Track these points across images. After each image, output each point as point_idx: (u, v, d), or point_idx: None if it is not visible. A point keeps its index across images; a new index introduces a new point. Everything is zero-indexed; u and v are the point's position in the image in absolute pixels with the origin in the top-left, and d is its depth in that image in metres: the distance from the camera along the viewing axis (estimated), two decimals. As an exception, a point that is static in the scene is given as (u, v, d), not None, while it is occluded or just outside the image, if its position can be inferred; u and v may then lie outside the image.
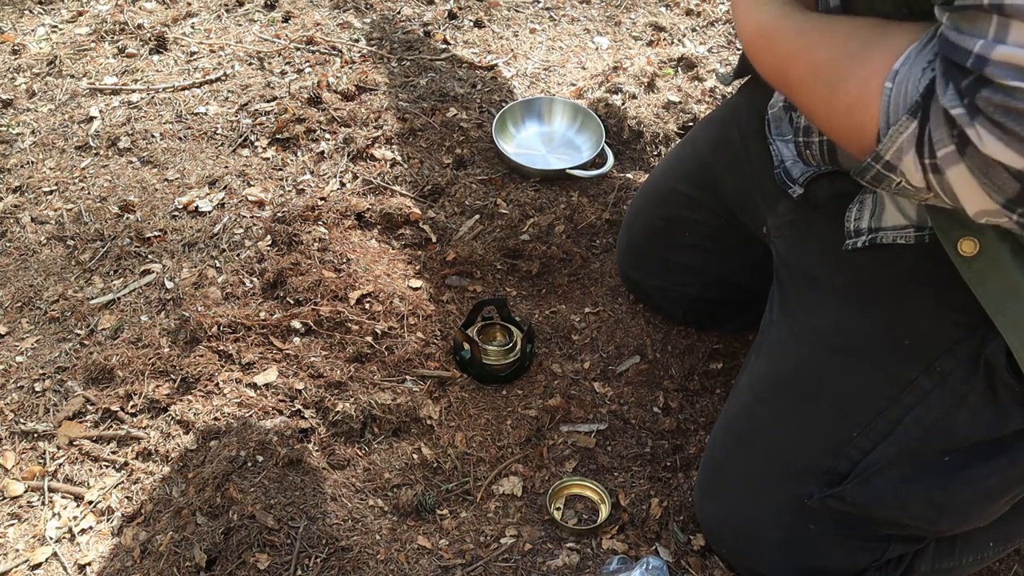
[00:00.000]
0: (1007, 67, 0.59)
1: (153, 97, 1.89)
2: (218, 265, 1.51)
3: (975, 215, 0.70)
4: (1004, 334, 0.85)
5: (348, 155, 1.73)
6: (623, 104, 1.84)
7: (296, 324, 1.39)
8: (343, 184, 1.67)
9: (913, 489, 0.94)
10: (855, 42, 0.73)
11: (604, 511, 1.19)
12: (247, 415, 1.27)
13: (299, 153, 1.75)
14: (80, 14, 2.13)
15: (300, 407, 1.29)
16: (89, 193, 1.66)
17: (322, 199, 1.62)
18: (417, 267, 1.53)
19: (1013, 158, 0.62)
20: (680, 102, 1.85)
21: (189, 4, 2.16)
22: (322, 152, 1.74)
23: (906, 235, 0.91)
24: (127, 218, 1.60)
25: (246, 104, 1.86)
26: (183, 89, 1.91)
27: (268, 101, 1.87)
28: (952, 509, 0.95)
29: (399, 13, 2.17)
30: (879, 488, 0.94)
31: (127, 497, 1.19)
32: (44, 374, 1.35)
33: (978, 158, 0.63)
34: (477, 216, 1.61)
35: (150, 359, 1.34)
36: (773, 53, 0.82)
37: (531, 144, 1.80)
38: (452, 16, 2.16)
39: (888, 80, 0.69)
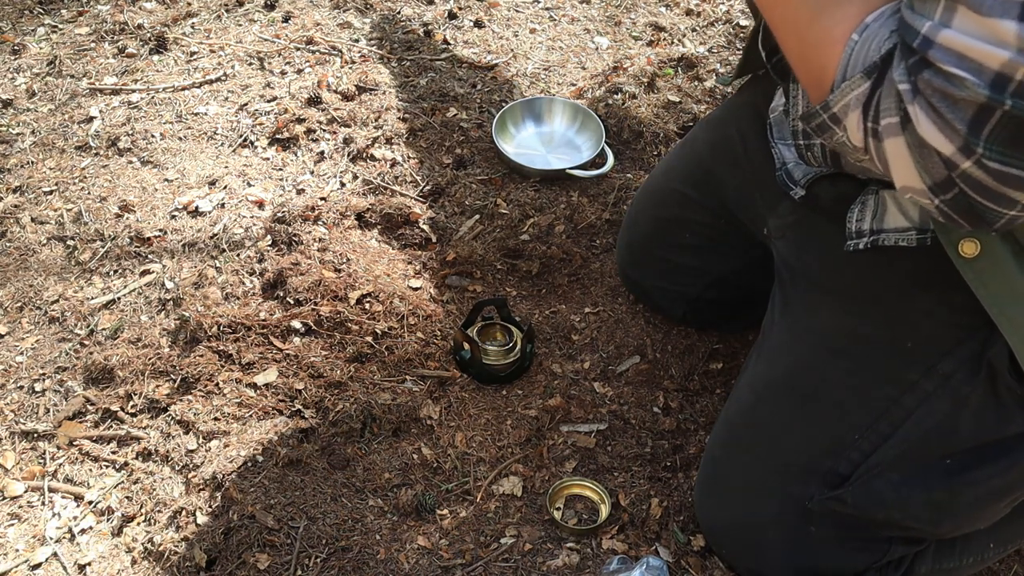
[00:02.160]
0: (948, 52, 0.59)
1: (153, 97, 1.88)
2: (218, 265, 1.51)
3: (900, 190, 0.71)
4: (1006, 335, 0.85)
5: (348, 155, 1.73)
6: (623, 104, 1.84)
7: (296, 324, 1.39)
8: (343, 184, 1.67)
9: (914, 491, 0.94)
10: None
11: (604, 511, 1.19)
12: (247, 415, 1.27)
13: (299, 153, 1.75)
14: (80, 14, 2.13)
15: (300, 407, 1.29)
16: (89, 193, 1.66)
17: (322, 199, 1.62)
18: (417, 267, 1.53)
19: (943, 143, 0.62)
20: (680, 102, 1.85)
21: (189, 4, 2.16)
22: (322, 152, 1.74)
23: (908, 237, 0.91)
24: (127, 218, 1.60)
25: (246, 104, 1.86)
26: (183, 89, 1.91)
27: (268, 101, 1.87)
28: (953, 511, 0.95)
29: (399, 13, 2.16)
30: (880, 490, 0.94)
31: (127, 497, 1.19)
32: (44, 374, 1.35)
33: (915, 136, 0.64)
34: (477, 216, 1.61)
35: (150, 359, 1.34)
36: None
37: (531, 144, 1.80)
38: (452, 16, 2.16)
39: (857, 32, 0.68)
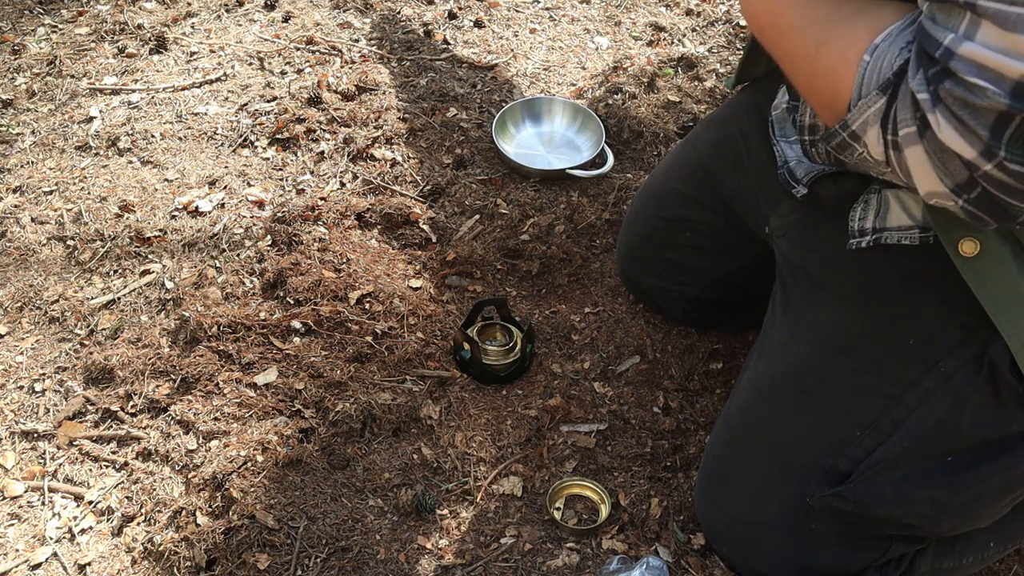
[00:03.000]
0: (970, 63, 0.62)
1: (153, 97, 1.88)
2: (218, 265, 1.51)
3: (925, 195, 0.73)
4: (1005, 335, 0.85)
5: (348, 155, 1.72)
6: (623, 104, 1.84)
7: (296, 324, 1.39)
8: (343, 184, 1.67)
9: (915, 489, 0.94)
10: (848, 7, 0.76)
11: (604, 511, 1.19)
12: (247, 415, 1.27)
13: (299, 153, 1.75)
14: (80, 14, 2.13)
15: (300, 407, 1.29)
16: (89, 193, 1.66)
17: (322, 199, 1.62)
18: (417, 267, 1.53)
19: (964, 148, 0.65)
20: (680, 102, 1.85)
21: (189, 4, 2.16)
22: (322, 152, 1.74)
23: (911, 236, 0.91)
24: (127, 218, 1.60)
25: (246, 104, 1.86)
26: (183, 89, 1.91)
27: (268, 101, 1.86)
28: (954, 510, 0.95)
29: (399, 13, 2.17)
30: (881, 488, 0.94)
31: (127, 497, 1.19)
32: (44, 374, 1.35)
33: (935, 143, 0.67)
34: (477, 216, 1.61)
35: (150, 359, 1.34)
36: None
37: (531, 144, 1.80)
38: (452, 16, 2.16)
39: (867, 53, 0.71)
